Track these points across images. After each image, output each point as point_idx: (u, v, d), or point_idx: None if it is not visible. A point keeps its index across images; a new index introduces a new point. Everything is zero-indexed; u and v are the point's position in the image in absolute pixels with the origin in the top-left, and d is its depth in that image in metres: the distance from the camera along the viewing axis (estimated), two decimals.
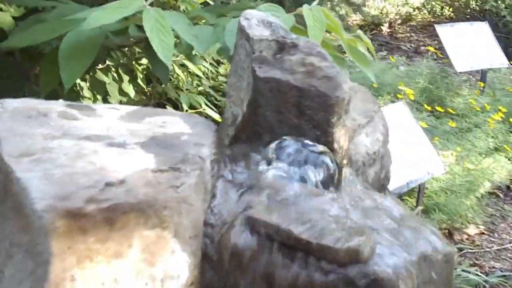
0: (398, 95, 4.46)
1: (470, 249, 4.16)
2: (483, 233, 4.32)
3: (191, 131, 1.50)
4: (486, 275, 3.96)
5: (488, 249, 4.18)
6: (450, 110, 4.57)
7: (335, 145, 1.66)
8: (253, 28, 1.67)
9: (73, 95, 3.08)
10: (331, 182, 1.53)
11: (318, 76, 1.61)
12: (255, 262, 1.37)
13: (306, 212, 1.44)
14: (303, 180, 1.53)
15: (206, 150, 1.43)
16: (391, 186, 3.63)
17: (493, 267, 4.05)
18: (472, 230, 4.28)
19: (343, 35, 2.07)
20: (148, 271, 1.26)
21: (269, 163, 1.55)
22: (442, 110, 4.48)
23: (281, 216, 1.43)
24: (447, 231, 4.14)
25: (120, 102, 3.53)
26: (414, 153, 3.79)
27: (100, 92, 3.10)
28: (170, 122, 1.52)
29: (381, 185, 1.94)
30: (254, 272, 1.38)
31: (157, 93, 4.09)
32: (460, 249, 4.18)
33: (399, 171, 3.70)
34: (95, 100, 3.29)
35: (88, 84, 3.18)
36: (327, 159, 1.57)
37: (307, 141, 1.61)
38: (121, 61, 3.29)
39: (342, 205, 1.49)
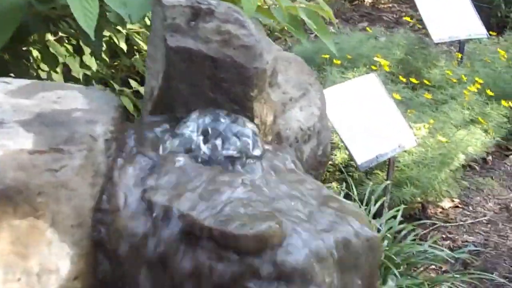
0: (373, 67, 4.27)
1: (443, 222, 3.99)
2: (457, 207, 4.16)
3: (88, 106, 1.32)
4: (459, 249, 3.80)
5: (462, 223, 4.02)
6: (426, 82, 4.37)
7: (256, 121, 1.48)
8: None
9: (24, 68, 2.90)
10: (243, 157, 1.35)
11: (235, 45, 1.43)
12: (150, 248, 1.21)
13: (211, 194, 1.27)
14: (211, 155, 1.36)
15: (100, 128, 1.25)
16: (359, 160, 3.46)
17: (466, 241, 3.89)
18: (446, 203, 4.12)
19: (281, 3, 1.88)
20: (21, 265, 1.10)
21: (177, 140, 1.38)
22: (417, 82, 4.28)
23: (183, 199, 1.26)
24: (420, 205, 3.98)
25: (84, 76, 3.34)
26: (384, 126, 3.61)
27: (53, 65, 2.91)
28: (66, 97, 1.34)
29: (318, 162, 1.77)
30: (150, 259, 1.21)
31: (125, 66, 3.89)
32: (433, 223, 4.01)
33: (368, 145, 3.52)
34: (51, 73, 3.11)
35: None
36: (245, 130, 1.40)
37: (222, 113, 1.43)
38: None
39: (253, 184, 1.32)
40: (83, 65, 3.33)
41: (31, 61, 3.06)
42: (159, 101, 1.50)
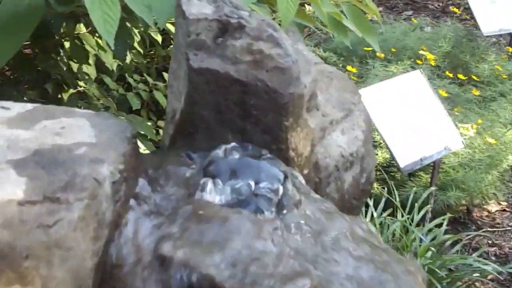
0: (418, 61, 3.99)
1: (490, 227, 3.73)
2: (504, 210, 3.88)
3: (95, 139, 1.11)
4: (505, 257, 3.54)
5: (509, 228, 3.75)
6: (474, 77, 4.08)
7: (291, 153, 1.26)
8: (191, 4, 1.26)
9: (53, 62, 2.71)
10: (273, 202, 1.13)
11: (268, 67, 1.21)
12: None
13: (236, 249, 1.06)
14: (242, 202, 1.14)
15: (106, 168, 1.04)
16: (402, 163, 3.22)
17: None
18: (492, 206, 3.85)
19: (322, 8, 1.64)
20: None
21: (202, 178, 1.17)
22: (465, 78, 3.99)
23: (202, 254, 1.05)
24: (465, 208, 3.72)
25: (118, 67, 3.15)
26: (429, 127, 3.35)
27: (82, 58, 2.71)
28: (71, 127, 1.13)
29: (360, 191, 1.54)
30: None
31: (160, 57, 3.69)
32: (479, 228, 3.75)
33: (412, 146, 3.28)
34: (81, 67, 2.91)
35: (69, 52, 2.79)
36: (278, 171, 1.18)
37: (252, 148, 1.21)
38: None
39: (286, 235, 1.10)
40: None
41: (62, 54, 2.88)
42: (182, 126, 1.28)
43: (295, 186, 1.19)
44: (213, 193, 1.13)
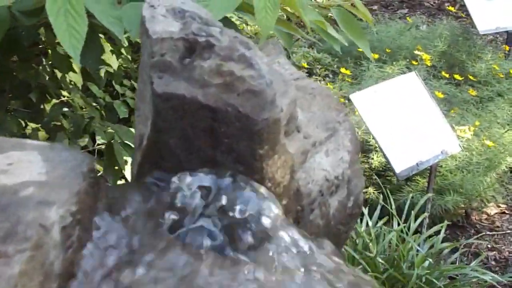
0: (413, 62, 3.85)
1: (489, 230, 3.60)
2: (504, 213, 3.76)
3: (46, 177, 0.98)
4: (506, 261, 3.42)
5: (509, 231, 3.62)
6: (471, 77, 3.95)
7: (267, 184, 1.13)
8: (156, 21, 1.13)
9: (33, 72, 2.58)
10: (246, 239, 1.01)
11: (239, 91, 1.08)
12: None
13: None
14: (213, 237, 1.02)
15: (55, 211, 0.91)
16: (398, 168, 3.09)
17: None
18: (491, 209, 3.72)
19: (305, 17, 1.51)
20: None
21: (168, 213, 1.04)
22: (461, 78, 3.86)
23: None
24: (463, 211, 3.59)
25: (106, 74, 3.02)
26: (426, 130, 3.22)
27: (64, 67, 2.57)
28: (20, 163, 1.00)
29: (348, 215, 1.41)
30: None
31: None
32: (478, 232, 3.62)
33: (408, 151, 3.15)
34: (65, 76, 2.78)
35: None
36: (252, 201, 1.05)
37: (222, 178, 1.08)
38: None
39: (260, 280, 0.97)
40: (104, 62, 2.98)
41: (44, 63, 2.75)
42: (148, 154, 1.15)
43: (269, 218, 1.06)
44: (179, 229, 1.00)
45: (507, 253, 3.46)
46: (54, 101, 2.71)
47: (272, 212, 1.07)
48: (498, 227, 3.66)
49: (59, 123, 2.93)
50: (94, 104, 3.04)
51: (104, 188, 1.08)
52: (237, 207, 1.06)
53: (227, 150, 1.10)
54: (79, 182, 1.00)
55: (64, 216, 0.93)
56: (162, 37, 1.11)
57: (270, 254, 1.03)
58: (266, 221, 1.06)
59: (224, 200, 1.06)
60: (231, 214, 1.04)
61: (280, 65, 1.46)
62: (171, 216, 1.04)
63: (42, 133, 3.12)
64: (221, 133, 1.09)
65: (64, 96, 2.79)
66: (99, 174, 1.34)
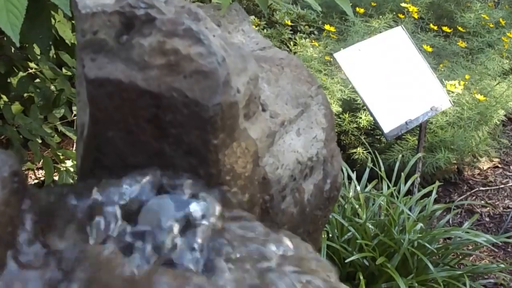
0: (400, 15, 3.65)
1: (482, 186, 3.45)
2: (497, 167, 3.60)
3: None
4: (500, 217, 3.27)
5: (503, 186, 3.47)
6: (460, 28, 3.75)
7: (225, 177, 0.96)
8: None
9: None
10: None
11: (186, 72, 0.90)
12: None
13: None
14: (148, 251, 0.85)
15: None
16: (386, 128, 2.92)
17: (508, 207, 3.35)
18: (484, 164, 3.56)
19: None
20: None
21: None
22: (450, 30, 3.66)
23: None
24: (455, 168, 3.43)
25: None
26: (414, 87, 3.04)
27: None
28: None
29: (325, 199, 1.25)
30: None
31: None
32: (471, 188, 3.47)
33: (396, 109, 2.97)
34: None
35: None
36: (195, 207, 0.88)
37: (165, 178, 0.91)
38: None
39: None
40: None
41: None
42: (88, 148, 0.97)
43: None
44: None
45: (501, 208, 3.32)
46: (21, 74, 2.51)
47: None
48: (491, 182, 3.51)
49: (32, 94, 2.74)
50: (68, 73, 2.84)
51: (33, 193, 0.91)
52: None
53: (176, 142, 0.92)
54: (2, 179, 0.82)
55: None
56: (93, 11, 0.92)
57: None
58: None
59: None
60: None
61: (244, 34, 1.28)
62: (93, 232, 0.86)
63: (16, 106, 2.93)
64: (167, 122, 0.91)
65: (31, 68, 2.59)
66: None
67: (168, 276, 0.81)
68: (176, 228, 0.83)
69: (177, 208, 0.84)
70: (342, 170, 2.56)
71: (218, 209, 0.88)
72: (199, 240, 0.82)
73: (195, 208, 0.85)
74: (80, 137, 1.04)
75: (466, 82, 3.25)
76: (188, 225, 0.84)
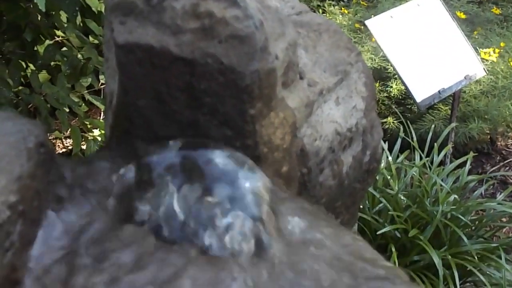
0: None
1: None
2: None
3: None
4: None
5: None
6: None
7: (263, 149, 0.89)
8: None
9: (20, 12, 2.34)
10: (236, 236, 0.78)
11: (221, 37, 0.83)
12: None
13: None
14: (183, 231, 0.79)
15: None
16: (419, 97, 2.83)
17: None
18: None
19: None
20: None
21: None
22: None
23: None
24: (488, 138, 3.33)
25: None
26: (447, 55, 2.94)
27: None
28: None
29: (364, 171, 1.18)
30: None
31: None
32: (504, 158, 3.38)
33: (429, 78, 2.88)
34: None
35: None
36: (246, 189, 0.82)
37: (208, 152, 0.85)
38: None
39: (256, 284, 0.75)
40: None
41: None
42: (117, 118, 0.92)
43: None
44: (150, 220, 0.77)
45: None
46: (48, 42, 2.46)
47: None
48: None
49: (59, 63, 2.70)
50: (95, 41, 2.78)
51: (61, 164, 0.85)
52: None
53: (211, 112, 0.86)
54: (22, 162, 0.77)
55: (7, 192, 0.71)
56: None
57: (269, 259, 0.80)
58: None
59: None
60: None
61: (269, 4, 1.20)
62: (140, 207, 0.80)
63: (43, 75, 2.88)
64: (201, 91, 0.85)
65: (58, 36, 2.53)
66: None
67: None
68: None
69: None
70: None
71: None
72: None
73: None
74: (109, 106, 0.98)
75: (501, 50, 3.13)
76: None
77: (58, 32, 2.52)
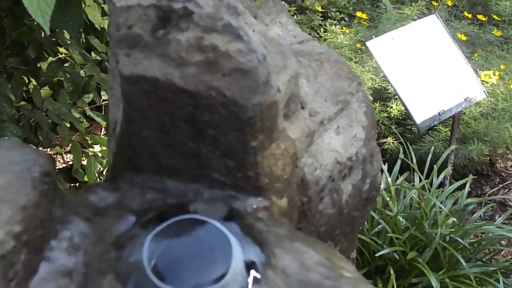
0: (433, 2, 3.55)
1: None
2: None
3: None
4: None
5: None
6: (495, 16, 3.64)
7: (263, 180, 0.91)
8: None
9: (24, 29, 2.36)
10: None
11: (224, 70, 0.85)
12: None
13: None
14: None
15: None
16: (419, 118, 2.85)
17: None
18: None
19: None
20: None
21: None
22: (485, 18, 3.55)
23: None
24: (488, 160, 3.35)
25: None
26: (448, 77, 2.96)
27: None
28: None
29: (363, 200, 1.19)
30: None
31: None
32: (503, 180, 3.39)
33: (429, 99, 2.90)
34: None
35: None
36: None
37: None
38: None
39: None
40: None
41: None
42: (122, 146, 0.93)
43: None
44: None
45: None
46: (51, 59, 2.48)
47: None
48: None
49: (61, 79, 2.72)
50: (98, 58, 2.80)
51: (66, 196, 0.87)
52: None
53: (213, 143, 0.87)
54: (27, 192, 0.78)
55: (3, 241, 0.72)
56: (128, 4, 0.87)
57: None
58: None
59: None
60: None
61: (281, 26, 1.22)
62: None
63: (45, 90, 2.90)
64: (204, 122, 0.86)
65: (61, 53, 2.55)
66: None
67: None
68: None
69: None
70: None
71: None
72: None
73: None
74: (112, 134, 1.00)
75: (501, 72, 3.15)
76: None
77: (61, 49, 2.54)
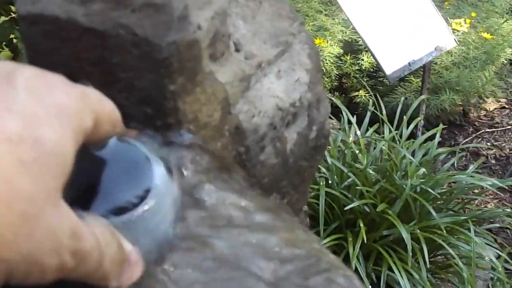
0: None
1: (488, 128, 3.29)
2: (504, 108, 3.43)
3: None
4: (506, 159, 3.12)
5: (509, 127, 3.31)
6: None
7: (187, 127, 0.81)
8: None
9: None
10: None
11: (134, 5, 0.75)
12: None
13: None
14: None
15: None
16: (389, 69, 2.76)
17: None
18: (490, 105, 3.40)
19: None
20: None
21: None
22: None
23: None
24: (461, 109, 3.27)
25: None
26: (417, 26, 2.86)
27: None
28: None
29: (311, 148, 1.11)
30: None
31: None
32: (477, 129, 3.32)
33: (399, 49, 2.80)
34: None
35: None
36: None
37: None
38: None
39: None
40: None
41: None
42: None
43: None
44: None
45: (508, 150, 3.16)
46: (3, 18, 2.36)
47: None
48: (497, 123, 3.35)
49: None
50: None
51: None
52: None
53: (127, 88, 0.78)
54: None
55: None
56: None
57: None
58: None
59: None
60: None
61: None
62: None
63: (6, 53, 2.78)
64: (115, 65, 0.76)
65: (14, 12, 2.43)
66: None
67: None
68: None
69: None
70: (342, 114, 2.41)
71: None
72: None
73: None
74: None
75: (472, 20, 3.06)
76: None
77: (14, 8, 2.41)
